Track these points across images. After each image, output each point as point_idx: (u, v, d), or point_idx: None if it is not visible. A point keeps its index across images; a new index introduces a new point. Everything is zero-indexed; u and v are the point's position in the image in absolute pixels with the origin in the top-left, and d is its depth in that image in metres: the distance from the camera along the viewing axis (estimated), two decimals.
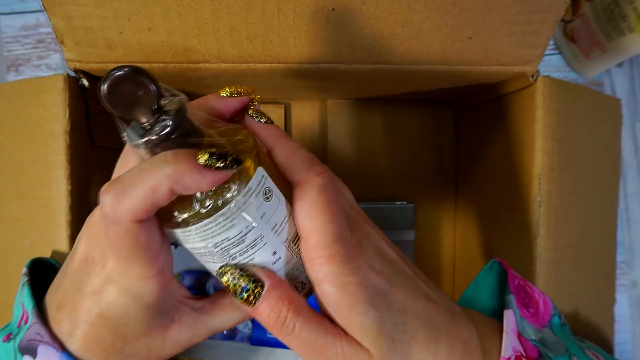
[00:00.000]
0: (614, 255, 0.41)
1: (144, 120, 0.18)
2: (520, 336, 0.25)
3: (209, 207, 0.19)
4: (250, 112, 0.24)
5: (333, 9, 0.28)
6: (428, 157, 0.49)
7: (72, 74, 0.32)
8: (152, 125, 0.18)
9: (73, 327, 0.22)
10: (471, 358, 0.23)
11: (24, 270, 0.26)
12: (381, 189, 0.48)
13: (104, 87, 0.17)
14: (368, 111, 0.48)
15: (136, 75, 0.17)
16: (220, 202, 0.20)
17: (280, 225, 0.22)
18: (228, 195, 0.20)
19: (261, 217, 0.21)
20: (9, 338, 0.24)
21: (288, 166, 0.23)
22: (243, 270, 0.22)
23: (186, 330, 0.24)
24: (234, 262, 0.22)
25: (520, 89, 0.35)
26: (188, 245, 0.22)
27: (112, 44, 0.30)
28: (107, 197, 0.19)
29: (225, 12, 0.28)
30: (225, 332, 0.36)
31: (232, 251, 0.21)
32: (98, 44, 0.30)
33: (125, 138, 0.19)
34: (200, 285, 0.34)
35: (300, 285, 0.24)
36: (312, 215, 0.21)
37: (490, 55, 0.31)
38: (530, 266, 0.33)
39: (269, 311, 0.21)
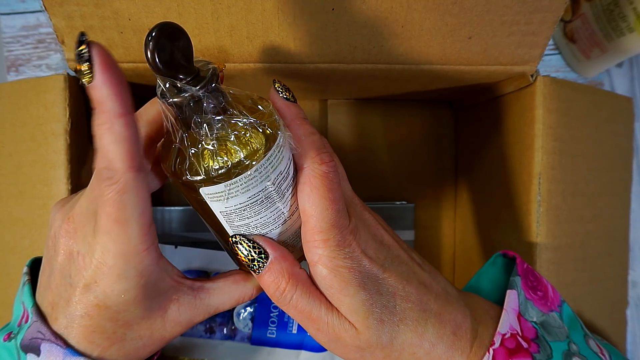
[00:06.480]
0: (626, 256, 0.40)
1: (183, 78, 0.20)
2: (520, 316, 0.25)
3: (268, 139, 0.21)
4: (277, 85, 0.25)
5: (333, 9, 0.28)
6: (428, 157, 0.49)
7: (73, 73, 0.32)
8: (190, 84, 0.20)
9: (70, 322, 0.22)
10: (460, 342, 0.24)
11: (25, 269, 0.26)
12: (381, 189, 0.48)
13: (150, 42, 0.18)
14: (368, 111, 0.48)
15: (173, 26, 0.19)
16: (274, 132, 0.22)
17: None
18: (277, 125, 0.22)
19: (289, 157, 0.23)
20: (9, 337, 0.24)
21: (298, 148, 0.23)
22: (253, 241, 0.24)
23: (185, 310, 0.24)
24: (273, 210, 0.23)
25: (520, 89, 0.35)
26: (223, 205, 0.22)
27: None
28: (100, 157, 0.20)
29: (225, 12, 0.28)
30: (225, 331, 0.36)
31: (283, 186, 0.23)
32: None
33: (160, 97, 0.20)
34: None
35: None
36: (312, 201, 0.22)
37: (489, 55, 0.32)
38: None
39: (270, 282, 0.23)
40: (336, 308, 0.23)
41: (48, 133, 0.31)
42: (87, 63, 0.19)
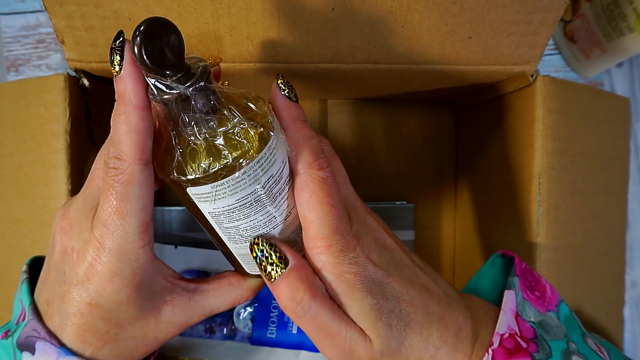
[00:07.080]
0: (623, 256, 0.40)
1: (171, 75, 0.19)
2: (518, 316, 0.25)
3: (259, 141, 0.21)
4: (280, 81, 0.24)
5: (333, 9, 0.28)
6: (428, 156, 0.49)
7: (73, 73, 0.32)
8: (178, 81, 0.19)
9: (64, 319, 0.22)
10: (462, 343, 0.24)
11: (24, 267, 0.26)
12: (381, 189, 0.48)
13: (137, 37, 0.18)
14: (368, 111, 0.48)
15: (163, 21, 0.19)
16: (266, 133, 0.21)
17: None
18: (270, 126, 0.21)
19: (283, 160, 0.22)
20: (7, 335, 0.24)
21: (295, 152, 0.23)
22: (272, 245, 0.22)
23: (180, 311, 0.24)
24: (264, 214, 0.22)
25: (519, 89, 0.35)
26: (211, 206, 0.22)
27: None
28: (112, 146, 0.20)
29: (225, 12, 0.28)
30: (225, 331, 0.36)
31: (274, 190, 0.22)
32: (99, 44, 0.30)
33: (150, 94, 0.20)
34: None
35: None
36: (311, 207, 0.22)
37: (489, 55, 0.32)
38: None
39: (288, 290, 0.22)
40: (352, 321, 0.23)
41: (48, 133, 0.31)
42: (119, 56, 0.20)
